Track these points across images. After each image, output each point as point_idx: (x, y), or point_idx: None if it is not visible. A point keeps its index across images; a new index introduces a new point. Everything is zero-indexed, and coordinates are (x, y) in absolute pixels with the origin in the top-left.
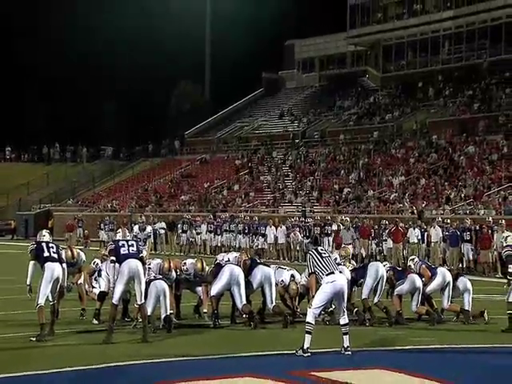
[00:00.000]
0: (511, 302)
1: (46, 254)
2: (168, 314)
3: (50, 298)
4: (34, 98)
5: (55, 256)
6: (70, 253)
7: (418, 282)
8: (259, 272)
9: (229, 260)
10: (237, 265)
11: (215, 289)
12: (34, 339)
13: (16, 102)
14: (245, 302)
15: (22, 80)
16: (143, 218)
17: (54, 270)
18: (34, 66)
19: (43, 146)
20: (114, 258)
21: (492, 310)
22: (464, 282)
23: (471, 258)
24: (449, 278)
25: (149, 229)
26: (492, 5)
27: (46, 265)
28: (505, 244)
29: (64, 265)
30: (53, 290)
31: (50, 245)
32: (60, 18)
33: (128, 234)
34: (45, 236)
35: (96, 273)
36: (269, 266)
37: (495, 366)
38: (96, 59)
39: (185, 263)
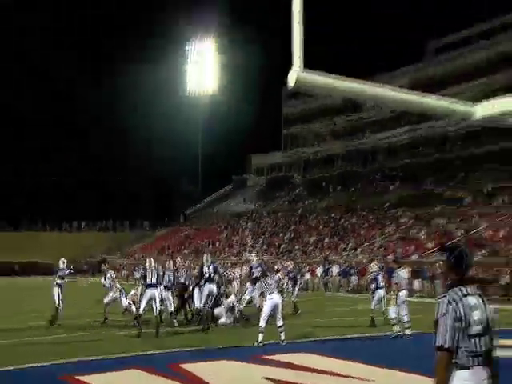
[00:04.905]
0: (373, 309)
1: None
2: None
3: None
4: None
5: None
6: (118, 285)
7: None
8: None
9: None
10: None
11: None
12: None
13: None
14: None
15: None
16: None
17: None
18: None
19: (105, 220)
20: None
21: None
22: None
23: (355, 282)
24: None
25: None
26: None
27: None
28: (371, 271)
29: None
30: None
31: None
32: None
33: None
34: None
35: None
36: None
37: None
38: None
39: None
